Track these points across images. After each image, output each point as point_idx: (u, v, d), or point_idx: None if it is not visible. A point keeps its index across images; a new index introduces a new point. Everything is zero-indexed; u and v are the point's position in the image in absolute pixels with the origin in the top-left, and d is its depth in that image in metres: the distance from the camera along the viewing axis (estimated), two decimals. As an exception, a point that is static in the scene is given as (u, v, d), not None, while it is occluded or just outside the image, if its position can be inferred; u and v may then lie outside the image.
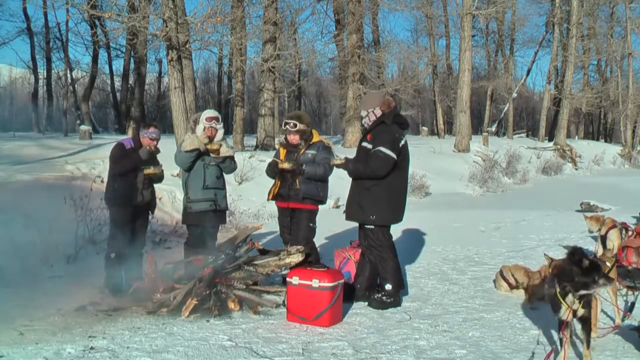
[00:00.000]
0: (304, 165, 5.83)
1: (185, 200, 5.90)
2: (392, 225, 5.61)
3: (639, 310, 5.12)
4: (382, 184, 5.34)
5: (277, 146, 6.28)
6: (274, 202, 6.17)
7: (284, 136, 6.07)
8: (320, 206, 6.13)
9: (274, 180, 6.11)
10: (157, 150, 5.95)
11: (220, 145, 5.90)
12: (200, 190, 5.84)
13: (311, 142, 6.00)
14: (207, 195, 5.87)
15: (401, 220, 5.61)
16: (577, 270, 3.78)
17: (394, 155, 5.29)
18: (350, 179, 5.64)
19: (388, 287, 5.40)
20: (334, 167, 5.72)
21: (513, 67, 34.26)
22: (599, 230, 6.80)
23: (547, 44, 33.76)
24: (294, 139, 5.94)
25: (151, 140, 5.81)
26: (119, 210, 5.74)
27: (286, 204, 6.00)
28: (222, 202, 6.02)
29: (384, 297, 5.37)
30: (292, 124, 5.91)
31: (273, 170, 6.01)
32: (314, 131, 6.11)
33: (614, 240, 6.53)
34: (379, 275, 5.57)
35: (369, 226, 5.45)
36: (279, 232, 6.30)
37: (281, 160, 5.93)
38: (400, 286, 5.55)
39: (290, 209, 6.01)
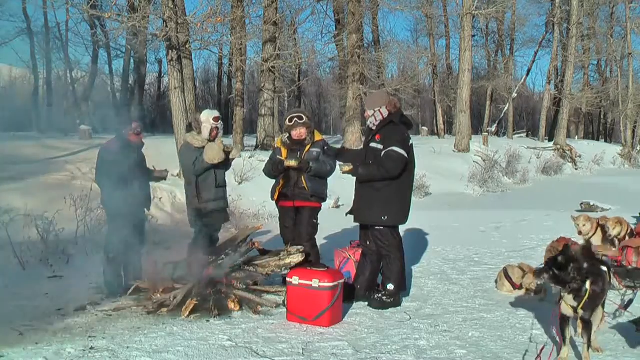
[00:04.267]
0: (311, 162, 5.81)
1: (198, 201, 5.83)
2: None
3: (638, 309, 5.10)
4: (393, 184, 5.31)
5: (277, 145, 6.20)
6: (278, 202, 6.13)
7: (287, 135, 6.00)
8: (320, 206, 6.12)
9: (276, 180, 6.07)
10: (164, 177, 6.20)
11: (232, 148, 5.98)
12: (214, 190, 5.86)
13: (314, 141, 6.00)
14: (219, 194, 5.93)
15: (407, 220, 5.60)
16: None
17: (406, 155, 5.28)
18: (353, 179, 5.62)
19: (390, 287, 5.40)
20: (340, 168, 5.66)
21: (513, 67, 34.26)
22: (587, 234, 6.73)
23: (547, 44, 33.73)
24: (302, 133, 5.89)
25: (137, 135, 5.82)
26: (115, 210, 5.73)
27: (292, 203, 5.96)
28: (227, 199, 6.13)
29: (384, 297, 5.37)
30: (299, 117, 5.89)
31: (277, 168, 5.94)
32: (315, 130, 6.11)
33: (596, 244, 6.51)
34: (382, 275, 5.56)
35: (378, 227, 5.41)
36: (279, 232, 6.28)
37: (285, 159, 5.88)
38: (402, 287, 5.55)
39: (295, 207, 5.98)
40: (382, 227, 5.40)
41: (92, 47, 27.65)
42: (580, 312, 3.88)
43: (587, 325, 3.92)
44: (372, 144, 5.41)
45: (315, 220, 5.99)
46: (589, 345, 3.93)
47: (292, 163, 5.75)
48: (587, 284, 3.86)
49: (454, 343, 4.44)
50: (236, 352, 4.20)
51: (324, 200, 6.07)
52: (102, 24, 18.58)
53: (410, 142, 5.43)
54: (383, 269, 5.53)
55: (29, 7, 24.70)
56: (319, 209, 6.06)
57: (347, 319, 5.04)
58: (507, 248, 8.34)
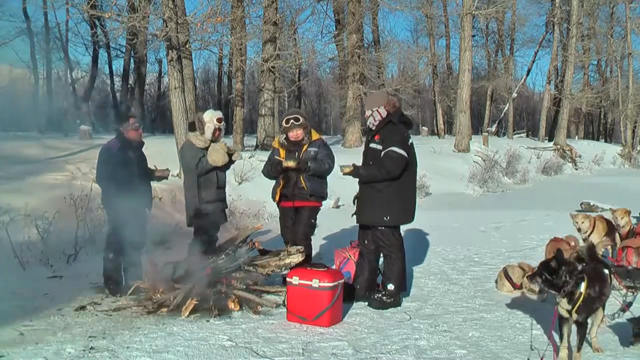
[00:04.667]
0: (309, 162, 5.81)
1: (199, 201, 5.85)
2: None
3: (637, 310, 5.11)
4: (394, 184, 5.32)
5: (275, 146, 6.21)
6: (279, 202, 6.13)
7: (284, 136, 6.02)
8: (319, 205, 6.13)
9: (276, 181, 6.07)
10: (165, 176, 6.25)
11: (235, 151, 6.03)
12: (215, 191, 5.90)
13: (311, 140, 6.01)
14: (220, 195, 5.98)
15: (413, 219, 5.60)
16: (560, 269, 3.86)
17: (406, 154, 5.29)
18: (354, 179, 5.62)
19: (390, 287, 5.40)
20: (340, 170, 5.66)
21: (513, 67, 34.23)
22: (586, 232, 6.78)
23: (547, 44, 33.71)
24: (299, 134, 5.90)
25: (137, 131, 5.85)
26: (115, 210, 5.73)
27: (291, 203, 5.97)
28: (226, 201, 6.18)
29: (384, 297, 5.37)
30: (295, 118, 5.89)
31: (276, 169, 5.94)
32: (312, 130, 6.12)
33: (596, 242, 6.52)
34: (382, 275, 5.57)
35: (380, 227, 5.42)
36: (280, 232, 6.28)
37: (284, 159, 5.88)
38: (402, 288, 5.55)
39: (295, 208, 5.99)
40: (383, 228, 5.41)
41: (92, 47, 27.69)
42: (575, 315, 3.86)
43: (581, 328, 3.89)
44: (372, 145, 5.41)
45: (313, 221, 6.00)
46: (580, 347, 3.89)
47: (291, 164, 5.76)
48: (582, 287, 3.84)
49: (454, 343, 4.44)
50: (236, 352, 4.20)
51: (324, 199, 6.08)
52: (102, 24, 18.56)
53: (410, 141, 5.44)
54: (384, 269, 5.54)
55: (29, 7, 24.70)
56: (319, 208, 6.07)
57: (347, 319, 5.04)
58: (507, 248, 8.34)
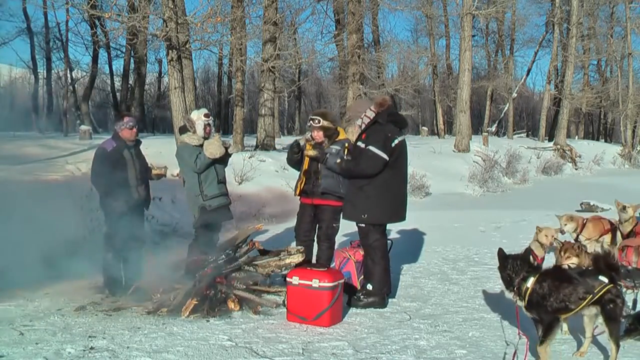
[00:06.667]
0: (327, 153, 5.84)
1: (202, 199, 5.85)
2: (392, 225, 5.60)
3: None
4: (374, 183, 5.33)
5: (302, 141, 6.22)
6: (300, 197, 6.21)
7: (310, 133, 6.09)
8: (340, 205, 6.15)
9: (298, 176, 6.13)
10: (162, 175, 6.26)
11: (230, 145, 6.09)
12: (217, 186, 5.92)
13: (337, 139, 6.02)
14: (222, 190, 5.99)
15: (402, 219, 5.60)
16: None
17: (383, 155, 5.27)
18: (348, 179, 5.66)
19: (369, 287, 5.41)
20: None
21: (513, 67, 34.23)
22: (575, 231, 6.88)
23: (547, 44, 33.74)
24: (318, 135, 5.96)
25: (131, 130, 5.86)
26: (113, 210, 5.72)
27: (310, 200, 6.04)
28: (229, 196, 6.16)
29: (362, 297, 5.37)
30: (316, 120, 5.94)
31: (292, 151, 6.05)
32: (340, 129, 6.15)
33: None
34: (363, 274, 5.61)
35: (361, 225, 5.45)
36: (294, 227, 6.29)
37: (307, 148, 5.96)
38: (383, 288, 5.45)
39: (314, 205, 6.04)
40: (364, 226, 5.43)
41: (92, 47, 27.68)
42: (526, 311, 3.86)
43: (538, 326, 3.87)
44: (358, 143, 5.50)
45: (335, 225, 6.03)
46: (541, 341, 3.85)
47: (311, 153, 5.85)
48: (529, 282, 3.85)
49: (454, 343, 4.44)
50: (236, 352, 4.20)
51: (342, 198, 6.10)
52: (102, 24, 18.57)
53: (397, 141, 5.39)
54: (365, 268, 5.56)
55: (29, 7, 24.72)
56: (340, 208, 6.07)
57: (347, 319, 5.04)
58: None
